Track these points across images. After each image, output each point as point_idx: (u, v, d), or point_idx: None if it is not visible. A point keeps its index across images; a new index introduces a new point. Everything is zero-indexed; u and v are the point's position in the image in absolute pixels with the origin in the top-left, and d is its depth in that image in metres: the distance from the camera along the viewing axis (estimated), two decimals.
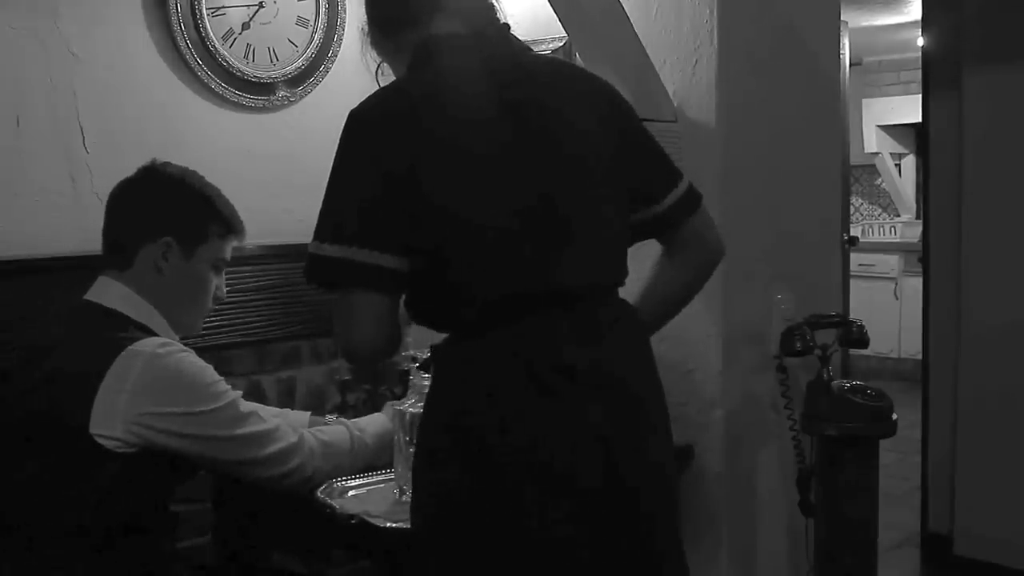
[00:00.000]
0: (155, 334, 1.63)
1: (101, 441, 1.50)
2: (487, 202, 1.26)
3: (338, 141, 1.29)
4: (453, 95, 1.31)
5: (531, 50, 1.48)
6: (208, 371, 1.61)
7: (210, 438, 1.58)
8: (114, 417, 1.50)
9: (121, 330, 1.59)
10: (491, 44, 1.37)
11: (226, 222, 1.74)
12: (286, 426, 1.69)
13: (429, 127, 1.26)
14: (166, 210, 1.70)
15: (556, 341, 1.26)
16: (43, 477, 1.52)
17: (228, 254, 1.77)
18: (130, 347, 1.54)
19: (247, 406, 1.64)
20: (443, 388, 1.31)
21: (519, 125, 1.30)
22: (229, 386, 1.63)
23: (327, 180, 1.28)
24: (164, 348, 1.57)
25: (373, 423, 1.89)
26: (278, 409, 2.04)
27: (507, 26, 1.41)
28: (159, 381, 1.54)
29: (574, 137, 1.34)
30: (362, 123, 1.29)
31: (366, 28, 1.47)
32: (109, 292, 1.66)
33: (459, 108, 1.29)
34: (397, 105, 1.30)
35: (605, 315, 1.34)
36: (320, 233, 1.26)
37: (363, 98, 1.32)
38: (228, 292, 1.87)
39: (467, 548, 1.24)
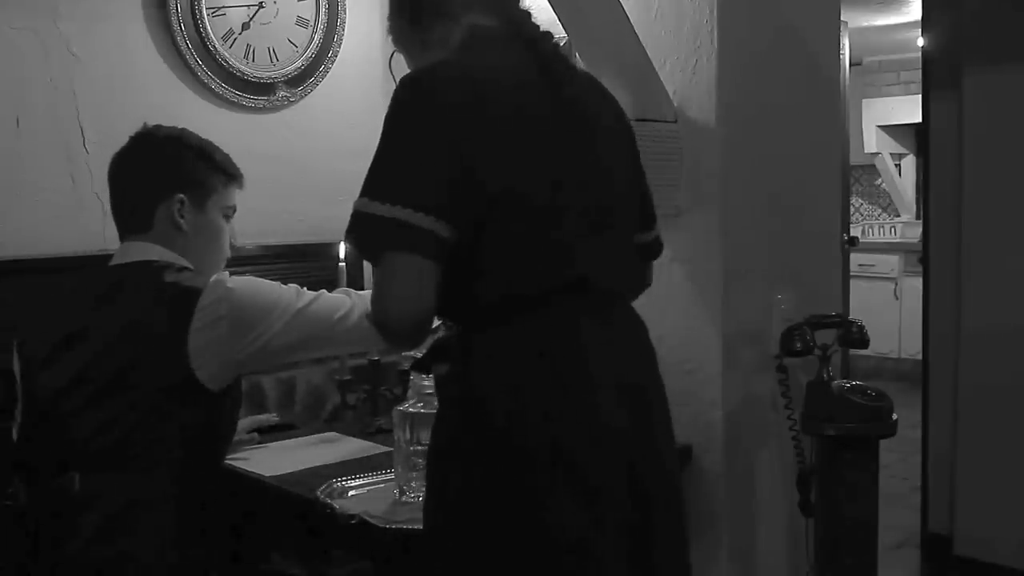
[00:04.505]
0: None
1: (200, 376, 1.62)
2: (539, 191, 1.25)
3: (392, 104, 1.23)
4: (510, 78, 1.28)
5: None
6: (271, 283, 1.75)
7: (304, 321, 1.70)
8: (217, 354, 1.63)
9: (175, 272, 1.68)
10: (538, 41, 1.36)
11: (226, 172, 1.82)
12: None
13: (486, 104, 1.23)
14: (172, 168, 1.77)
15: (580, 340, 1.26)
16: (131, 418, 1.61)
17: (233, 201, 1.85)
18: (210, 282, 1.66)
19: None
20: (462, 382, 1.27)
21: (571, 122, 1.30)
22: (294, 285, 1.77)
23: (380, 141, 1.22)
24: (233, 281, 1.69)
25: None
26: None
27: (550, 33, 1.39)
28: (250, 309, 1.66)
29: (612, 148, 1.37)
30: (425, 89, 1.23)
31: (389, 16, 1.45)
32: (141, 250, 1.73)
33: (516, 93, 1.27)
34: (458, 78, 1.25)
35: (622, 318, 1.36)
36: (373, 191, 1.19)
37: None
38: None
39: (482, 546, 1.23)
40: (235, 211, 1.86)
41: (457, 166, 1.19)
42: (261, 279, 1.76)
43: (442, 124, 1.21)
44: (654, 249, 1.55)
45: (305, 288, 1.78)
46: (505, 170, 1.22)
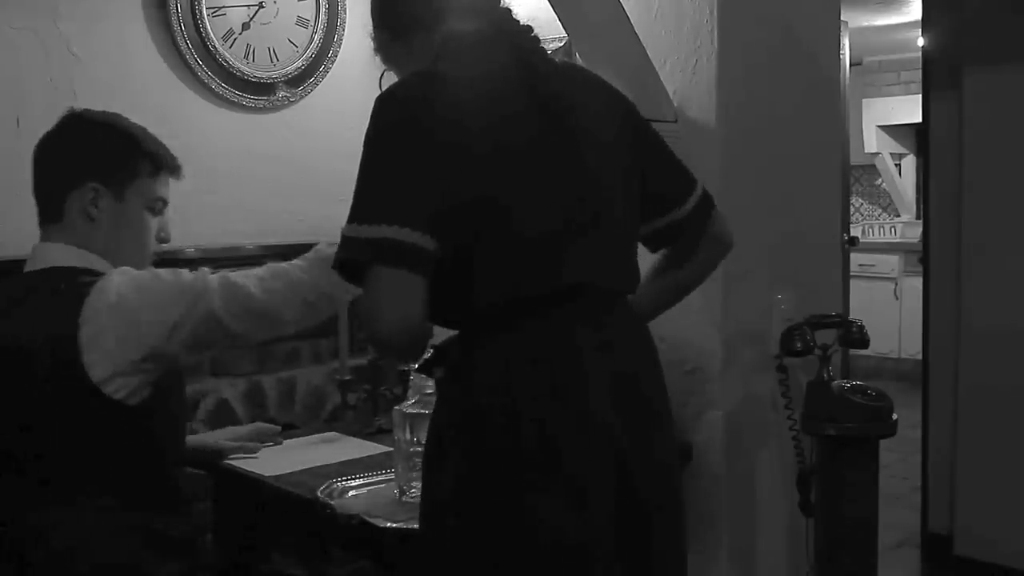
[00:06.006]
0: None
1: (114, 395, 1.48)
2: (525, 196, 1.25)
3: (369, 124, 1.24)
4: (485, 82, 1.29)
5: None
6: (166, 271, 1.60)
7: (213, 310, 1.57)
8: (119, 359, 1.49)
9: (71, 280, 1.55)
10: (520, 40, 1.37)
11: (155, 159, 1.66)
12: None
13: (458, 114, 1.24)
14: (90, 154, 1.63)
15: (574, 344, 1.26)
16: (57, 442, 1.50)
17: (164, 194, 1.69)
18: (93, 287, 1.51)
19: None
20: (459, 387, 1.28)
21: (554, 121, 1.30)
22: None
23: (360, 163, 1.23)
24: (124, 274, 1.55)
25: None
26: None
27: (530, 27, 1.40)
28: (141, 298, 1.52)
29: (599, 141, 1.35)
30: (400, 105, 1.25)
31: (373, 32, 1.46)
32: (46, 254, 1.62)
33: (491, 97, 1.28)
34: (434, 89, 1.26)
35: (619, 317, 1.35)
36: (358, 215, 1.20)
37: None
38: None
39: (477, 547, 1.23)
40: (165, 205, 1.70)
41: (433, 179, 1.20)
42: (158, 270, 1.60)
43: (415, 139, 1.22)
44: (697, 217, 1.49)
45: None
46: (478, 179, 1.22)
